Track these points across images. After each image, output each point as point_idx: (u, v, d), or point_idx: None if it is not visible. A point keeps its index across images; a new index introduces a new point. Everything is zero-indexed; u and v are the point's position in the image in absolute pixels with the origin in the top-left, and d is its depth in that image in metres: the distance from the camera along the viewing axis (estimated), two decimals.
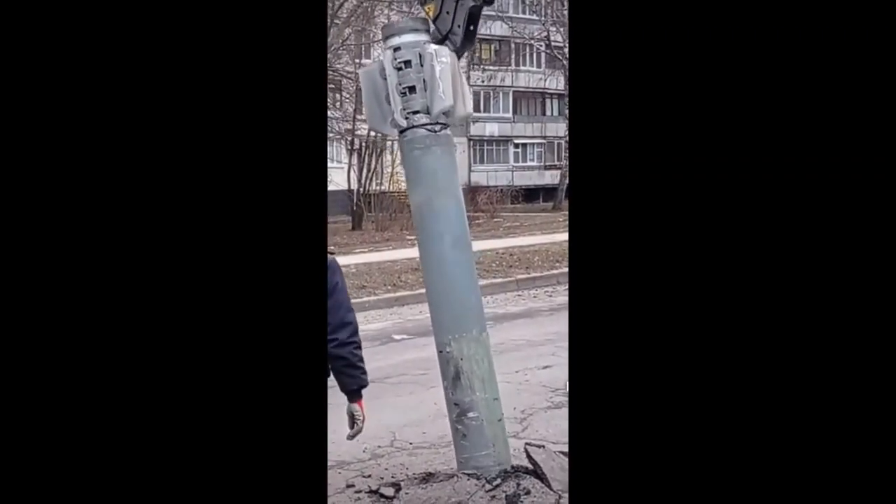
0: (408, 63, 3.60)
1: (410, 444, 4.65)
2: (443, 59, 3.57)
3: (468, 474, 3.46)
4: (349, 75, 22.35)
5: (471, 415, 3.56)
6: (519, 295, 10.58)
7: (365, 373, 3.21)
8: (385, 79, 3.65)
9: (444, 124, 3.65)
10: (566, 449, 3.82)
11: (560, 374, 6.02)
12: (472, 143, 33.92)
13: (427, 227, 3.71)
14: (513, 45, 32.98)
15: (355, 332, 3.18)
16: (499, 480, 3.39)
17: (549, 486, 3.36)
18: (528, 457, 3.54)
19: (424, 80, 3.58)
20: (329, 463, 3.55)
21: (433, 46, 3.56)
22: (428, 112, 3.60)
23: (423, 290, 9.66)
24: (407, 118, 3.62)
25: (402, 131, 3.67)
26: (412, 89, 3.60)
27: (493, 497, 3.30)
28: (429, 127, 3.61)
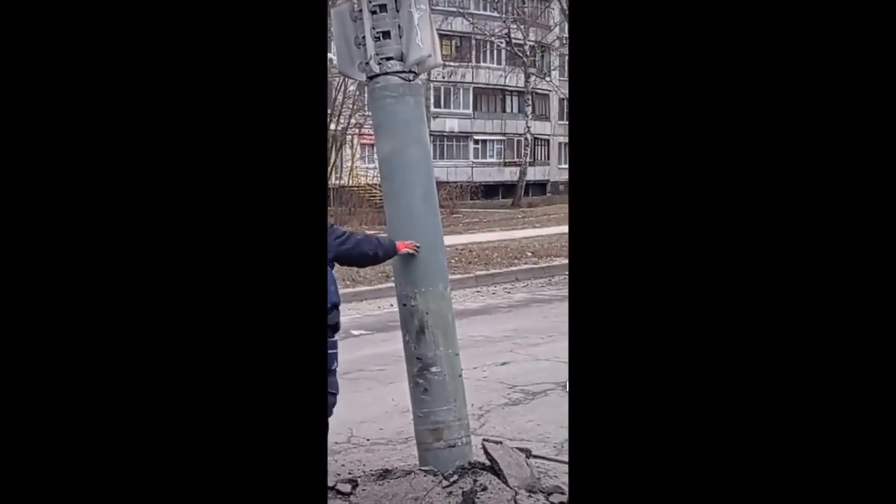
0: (383, 7, 3.50)
1: (367, 440, 4.62)
2: (421, 6, 3.50)
3: (425, 470, 3.45)
4: None
5: (434, 369, 3.56)
6: (478, 291, 10.60)
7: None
8: (355, 21, 3.55)
9: (416, 73, 3.59)
10: (523, 445, 3.84)
11: (518, 370, 6.04)
12: (432, 138, 33.91)
13: (397, 178, 3.63)
14: (473, 42, 33.00)
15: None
16: (456, 476, 3.39)
17: (505, 483, 3.37)
18: (486, 453, 3.54)
19: (400, 27, 3.49)
20: None
21: None
22: (402, 59, 3.52)
23: (381, 286, 9.74)
24: (380, 64, 3.52)
25: (372, 77, 3.57)
26: (386, 34, 3.50)
27: (450, 493, 3.30)
28: (402, 75, 3.54)
